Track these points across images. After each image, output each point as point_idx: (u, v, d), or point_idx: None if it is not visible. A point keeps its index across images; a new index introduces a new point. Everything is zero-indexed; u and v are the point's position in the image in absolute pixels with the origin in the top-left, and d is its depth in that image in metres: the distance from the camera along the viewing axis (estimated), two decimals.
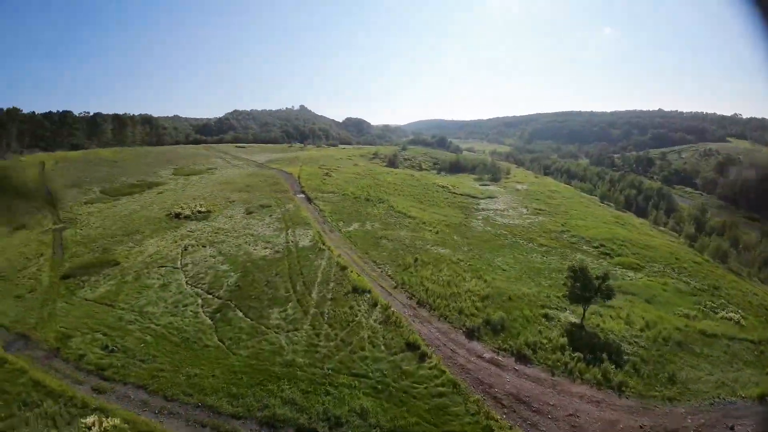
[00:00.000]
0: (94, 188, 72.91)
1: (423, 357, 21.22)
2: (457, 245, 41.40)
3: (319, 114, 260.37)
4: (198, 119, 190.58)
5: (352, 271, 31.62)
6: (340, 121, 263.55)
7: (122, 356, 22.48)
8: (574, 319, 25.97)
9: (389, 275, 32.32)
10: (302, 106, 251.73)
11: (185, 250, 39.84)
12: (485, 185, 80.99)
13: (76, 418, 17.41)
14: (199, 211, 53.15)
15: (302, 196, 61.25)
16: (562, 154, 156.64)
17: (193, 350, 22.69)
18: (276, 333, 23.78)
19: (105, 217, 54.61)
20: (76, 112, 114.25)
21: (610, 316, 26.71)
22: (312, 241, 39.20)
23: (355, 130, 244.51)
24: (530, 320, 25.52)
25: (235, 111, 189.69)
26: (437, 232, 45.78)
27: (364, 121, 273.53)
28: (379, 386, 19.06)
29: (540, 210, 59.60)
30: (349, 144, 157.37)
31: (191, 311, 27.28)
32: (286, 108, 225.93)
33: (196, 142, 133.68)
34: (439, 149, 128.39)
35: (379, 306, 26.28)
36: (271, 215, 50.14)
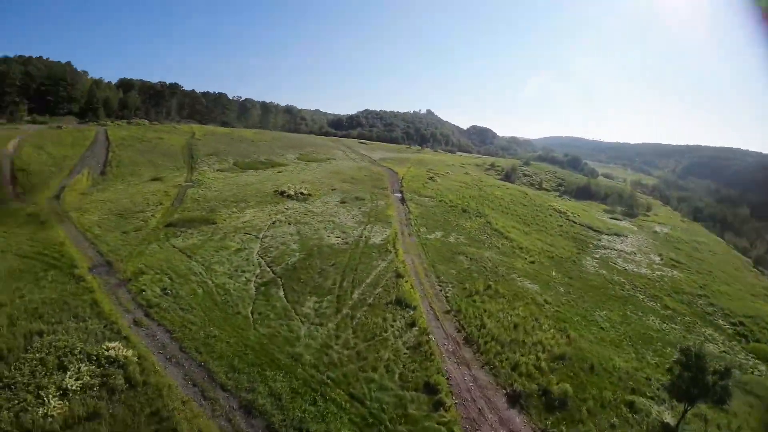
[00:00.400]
0: (228, 159, 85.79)
1: (438, 406, 17.70)
2: (551, 283, 34.81)
3: (445, 119, 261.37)
4: (335, 114, 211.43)
5: (406, 281, 29.20)
6: (465, 128, 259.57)
7: (171, 300, 24.86)
8: (668, 419, 18.44)
9: (447, 296, 28.77)
10: (429, 111, 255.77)
11: (273, 224, 43.18)
12: (615, 219, 68.64)
13: (104, 340, 19.33)
14: (302, 193, 57.31)
15: (398, 195, 61.13)
16: (720, 198, 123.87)
17: (226, 314, 23.70)
18: (301, 322, 23.19)
19: (226, 184, 63.29)
20: (230, 96, 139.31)
21: (718, 426, 18.32)
22: (383, 241, 38.06)
23: (479, 138, 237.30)
24: (607, 405, 18.91)
25: (366, 110, 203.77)
26: (532, 262, 39.56)
27: (490, 130, 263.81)
28: (371, 419, 16.42)
29: (677, 263, 47.27)
30: (468, 152, 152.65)
31: (245, 278, 28.86)
32: (414, 111, 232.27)
33: (326, 134, 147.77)
34: (569, 170, 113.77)
35: (416, 328, 23.41)
36: (360, 208, 50.98)
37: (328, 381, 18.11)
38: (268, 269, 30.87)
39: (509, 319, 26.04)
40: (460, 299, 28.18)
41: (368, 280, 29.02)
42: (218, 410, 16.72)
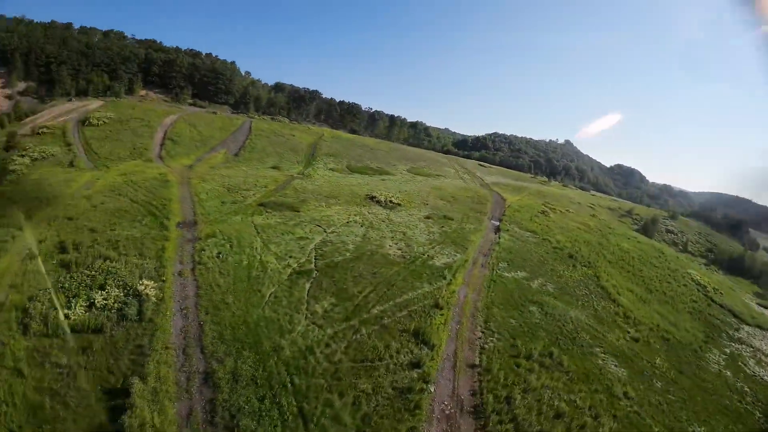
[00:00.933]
0: (343, 161, 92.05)
1: None
2: (647, 372, 26.78)
3: (585, 153, 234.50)
4: (463, 135, 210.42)
5: (442, 315, 25.92)
6: (608, 166, 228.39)
7: (218, 263, 28.08)
8: None
9: (482, 347, 24.27)
10: (567, 141, 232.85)
11: (347, 222, 44.22)
12: (765, 307, 51.52)
13: (146, 278, 23.17)
14: (391, 201, 57.68)
15: (495, 223, 56.30)
16: None
17: (250, 288, 25.15)
18: (304, 317, 22.55)
19: (329, 181, 67.78)
20: (363, 107, 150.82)
21: None
22: (445, 264, 35.10)
23: (622, 180, 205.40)
24: None
25: (494, 133, 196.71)
26: (635, 340, 31.30)
27: (638, 172, 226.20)
28: None
29: None
30: (606, 193, 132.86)
31: (287, 263, 30.19)
32: (549, 140, 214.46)
33: (447, 152, 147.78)
34: (726, 235, 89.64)
35: (418, 370, 20.42)
36: (442, 227, 48.52)
37: (289, 385, 17.01)
38: (313, 261, 31.41)
39: (554, 403, 20.44)
40: (498, 356, 23.45)
41: (398, 300, 26.84)
42: (186, 367, 18.14)
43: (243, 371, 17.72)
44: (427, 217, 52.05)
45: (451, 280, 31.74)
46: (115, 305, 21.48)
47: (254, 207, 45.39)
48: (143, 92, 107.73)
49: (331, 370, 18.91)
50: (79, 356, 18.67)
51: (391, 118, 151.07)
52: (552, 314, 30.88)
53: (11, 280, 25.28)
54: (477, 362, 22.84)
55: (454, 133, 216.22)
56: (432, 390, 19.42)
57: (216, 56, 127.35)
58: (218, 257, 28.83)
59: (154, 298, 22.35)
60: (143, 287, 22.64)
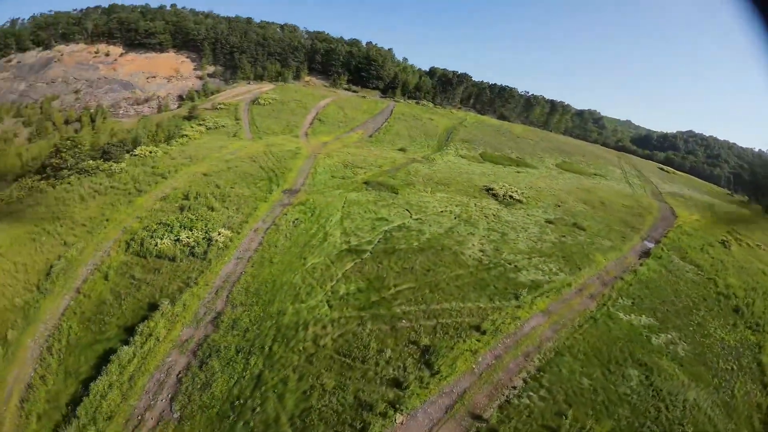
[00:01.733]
0: (478, 148, 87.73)
1: None
2: None
3: None
4: (647, 129, 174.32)
5: (478, 341, 21.39)
6: None
7: (290, 228, 32.03)
8: None
9: (504, 403, 18.47)
10: None
11: (441, 211, 41.56)
12: None
13: (227, 228, 27.84)
14: (511, 197, 52.08)
15: (647, 245, 43.99)
16: None
17: (300, 253, 28.24)
18: (324, 294, 22.37)
19: (451, 168, 65.46)
20: (520, 91, 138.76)
21: None
22: (531, 282, 28.77)
23: None
24: None
25: (689, 131, 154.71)
26: None
27: None
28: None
29: None
30: None
31: (350, 240, 30.71)
32: (759, 150, 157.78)
33: (621, 149, 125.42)
34: None
35: (398, 391, 17.43)
36: (563, 236, 40.63)
37: (267, 349, 17.04)
38: (375, 243, 30.81)
39: None
40: (522, 420, 17.78)
41: (433, 306, 23.27)
42: (209, 303, 21.80)
43: (242, 322, 19.94)
44: (550, 222, 44.46)
45: (524, 302, 25.78)
46: (192, 243, 25.93)
47: (358, 184, 47.05)
48: (307, 78, 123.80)
49: (309, 351, 18.47)
50: (150, 274, 23.97)
51: (552, 103, 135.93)
52: (659, 388, 21.66)
53: (140, 213, 32.59)
54: (483, 415, 17.55)
55: (637, 127, 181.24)
56: (399, 422, 16.24)
57: (374, 44, 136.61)
58: (293, 223, 30.99)
59: (221, 244, 25.89)
60: (217, 234, 26.50)
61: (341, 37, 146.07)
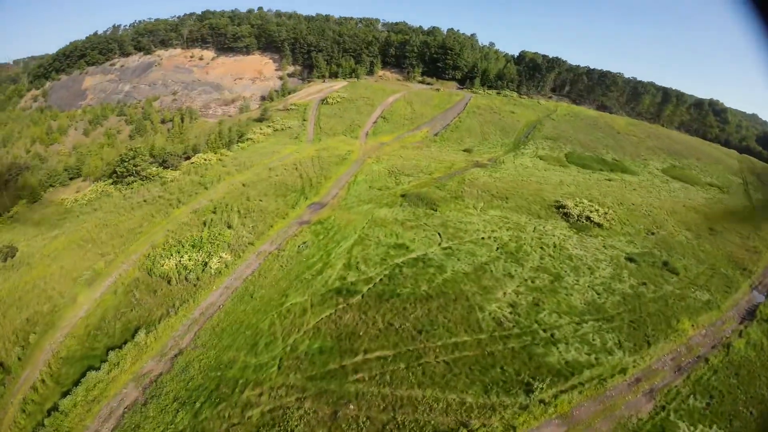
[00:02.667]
0: (564, 148, 77.83)
1: None
2: None
3: None
4: None
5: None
6: None
7: (291, 252, 30.71)
8: None
9: None
10: None
11: (482, 238, 35.04)
12: None
13: (235, 248, 28.29)
14: (588, 219, 42.98)
15: (759, 298, 31.59)
16: None
17: (284, 290, 24.75)
18: (283, 349, 19.64)
19: (518, 174, 57.96)
20: (626, 76, 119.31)
21: None
22: (566, 364, 21.49)
23: None
24: None
25: None
26: None
27: None
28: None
29: None
30: None
31: (345, 276, 27.27)
32: None
33: (744, 150, 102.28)
34: None
35: None
36: (643, 283, 31.06)
37: (200, 415, 15.27)
38: (374, 282, 26.32)
39: None
40: None
41: (401, 391, 17.74)
42: (178, 338, 22.62)
43: (192, 367, 19.71)
44: (632, 259, 34.67)
45: (535, 401, 18.26)
46: (190, 267, 25.61)
47: (395, 197, 43.36)
48: (381, 73, 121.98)
49: (232, 421, 16.99)
50: (147, 295, 25.03)
51: (665, 92, 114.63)
52: None
53: (171, 227, 33.98)
54: None
55: (765, 122, 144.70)
56: None
57: (457, 31, 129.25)
58: (299, 248, 29.05)
59: (213, 271, 25.19)
60: (215, 259, 25.86)
61: (420, 26, 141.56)
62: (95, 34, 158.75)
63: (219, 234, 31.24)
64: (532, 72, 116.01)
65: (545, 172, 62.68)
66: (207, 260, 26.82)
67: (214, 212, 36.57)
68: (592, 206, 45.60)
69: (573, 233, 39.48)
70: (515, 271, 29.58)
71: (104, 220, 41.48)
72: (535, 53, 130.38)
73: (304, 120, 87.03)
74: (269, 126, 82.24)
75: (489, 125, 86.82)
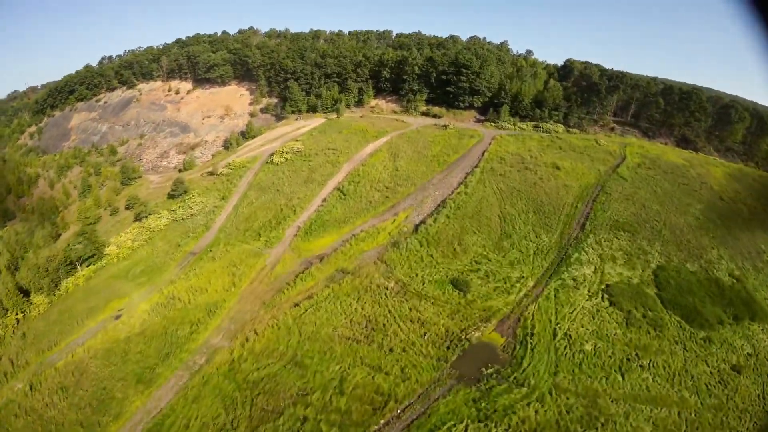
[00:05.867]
0: (648, 258, 39.49)
1: None
2: None
3: None
4: None
5: None
6: None
7: None
8: None
9: None
10: None
11: None
12: None
13: None
14: None
15: None
16: None
17: None
18: None
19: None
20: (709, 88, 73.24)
21: None
22: None
23: None
24: None
25: None
26: None
27: None
28: None
29: None
30: None
31: None
32: None
33: None
34: None
35: None
36: None
37: None
38: None
39: None
40: None
41: None
42: None
43: None
44: None
45: None
46: None
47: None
48: (373, 103, 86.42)
49: None
50: None
51: (759, 118, 66.97)
52: None
53: None
54: None
55: None
56: None
57: (481, 39, 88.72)
58: None
59: None
60: None
61: (424, 35, 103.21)
62: (86, 67, 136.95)
63: None
64: (586, 92, 74.49)
65: (630, 375, 25.11)
66: None
67: None
68: None
69: None
70: None
71: None
72: (586, 63, 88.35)
73: (223, 199, 54.45)
74: (171, 210, 50.92)
75: (516, 199, 48.92)
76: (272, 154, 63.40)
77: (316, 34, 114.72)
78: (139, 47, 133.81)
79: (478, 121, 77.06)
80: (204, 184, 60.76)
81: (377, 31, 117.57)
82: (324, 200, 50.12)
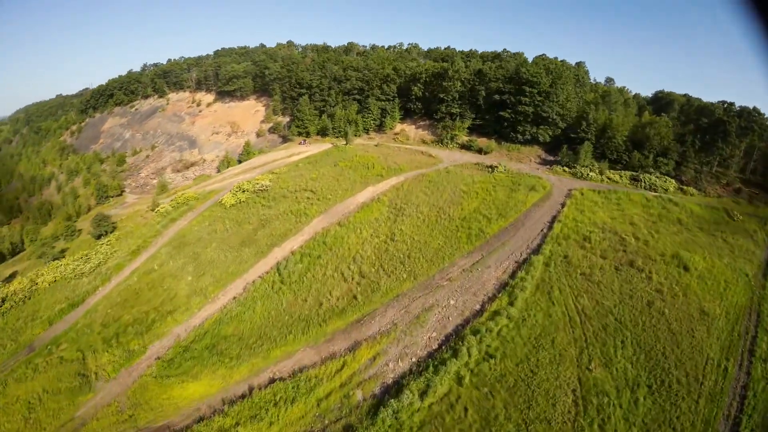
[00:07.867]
0: None
1: None
2: None
3: None
4: None
5: None
6: None
7: None
8: None
9: None
10: None
11: None
12: None
13: None
14: None
15: None
16: None
17: None
18: None
19: None
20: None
21: None
22: None
23: None
24: None
25: None
26: None
27: None
28: None
29: None
30: None
31: None
32: None
33: None
34: None
35: None
36: None
37: None
38: None
39: None
40: None
41: None
42: None
43: None
44: None
45: None
46: None
47: None
48: (400, 128, 64.01)
49: None
50: None
51: None
52: None
53: None
54: None
55: None
56: None
57: (549, 57, 62.69)
58: None
59: None
60: None
61: (472, 50, 78.73)
62: (129, 72, 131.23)
63: None
64: (703, 134, 45.63)
65: None
66: None
67: None
68: None
69: None
70: None
71: None
72: (685, 96, 59.28)
73: (134, 253, 34.55)
74: (74, 260, 32.57)
75: (614, 341, 22.76)
76: (238, 188, 42.79)
77: (348, 48, 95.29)
78: (182, 57, 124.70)
79: (545, 162, 50.91)
80: (132, 223, 41.99)
81: (420, 48, 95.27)
82: (246, 287, 27.66)
